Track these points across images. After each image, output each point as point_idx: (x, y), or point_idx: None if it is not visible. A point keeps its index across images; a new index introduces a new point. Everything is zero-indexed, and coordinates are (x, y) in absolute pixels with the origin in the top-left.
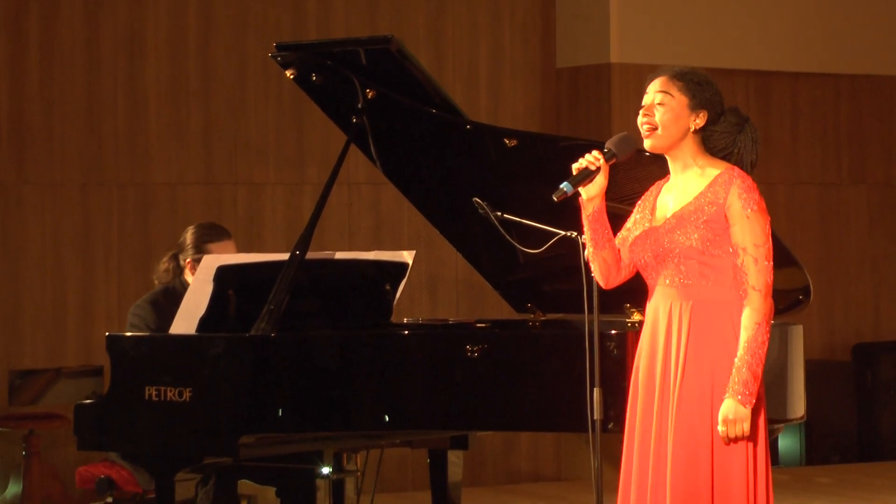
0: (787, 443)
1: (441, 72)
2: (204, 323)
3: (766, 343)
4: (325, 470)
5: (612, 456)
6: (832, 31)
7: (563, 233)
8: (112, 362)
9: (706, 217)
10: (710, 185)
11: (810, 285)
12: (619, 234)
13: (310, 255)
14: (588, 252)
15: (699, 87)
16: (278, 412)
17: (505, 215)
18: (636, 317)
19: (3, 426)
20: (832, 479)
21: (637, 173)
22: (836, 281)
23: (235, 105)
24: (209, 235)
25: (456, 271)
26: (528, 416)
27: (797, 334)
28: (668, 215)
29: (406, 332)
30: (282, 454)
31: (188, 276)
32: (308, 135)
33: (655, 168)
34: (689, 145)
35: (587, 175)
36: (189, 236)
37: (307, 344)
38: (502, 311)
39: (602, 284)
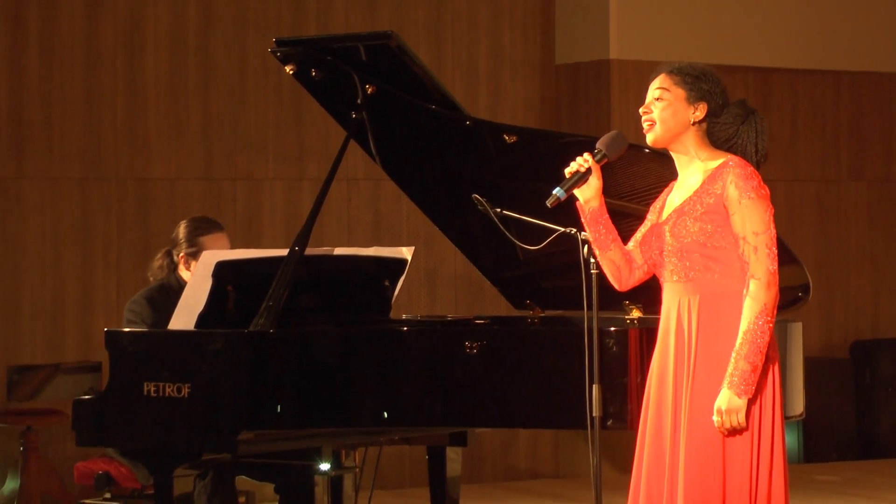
0: (786, 440)
1: (440, 67)
2: (203, 319)
3: (767, 333)
4: (324, 466)
5: (610, 453)
6: (832, 28)
7: (562, 229)
8: (111, 358)
9: (704, 209)
10: (710, 176)
11: (809, 282)
12: (634, 237)
13: (309, 250)
14: (596, 256)
15: (696, 79)
16: (277, 408)
17: (504, 212)
18: (635, 313)
19: (1, 422)
20: (831, 476)
21: (636, 170)
22: (835, 278)
23: (235, 100)
24: (201, 229)
25: (455, 268)
26: (526, 413)
27: (796, 331)
28: (672, 210)
29: (405, 328)
30: (280, 450)
31: (182, 271)
32: (307, 130)
33: (654, 164)
34: (691, 139)
35: (578, 178)
36: (182, 230)
37: (306, 340)
38: (501, 307)
39: (616, 286)
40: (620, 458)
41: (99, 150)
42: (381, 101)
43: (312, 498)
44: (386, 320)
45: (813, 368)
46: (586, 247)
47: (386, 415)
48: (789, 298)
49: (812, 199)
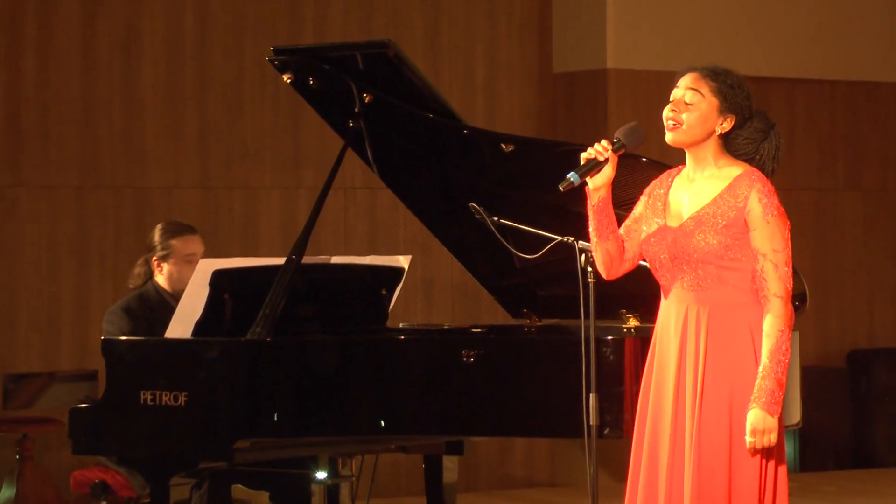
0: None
1: (438, 76)
2: (200, 327)
3: (789, 350)
4: (321, 475)
5: (607, 462)
6: (829, 38)
7: (559, 238)
8: (107, 366)
9: (726, 221)
10: (730, 187)
11: (807, 291)
12: (624, 224)
13: (306, 259)
14: (592, 243)
15: (732, 90)
16: (274, 417)
17: (501, 220)
18: (632, 322)
19: None
20: (828, 486)
21: (635, 177)
22: (831, 287)
23: (232, 109)
24: (173, 232)
25: (452, 276)
26: (523, 422)
27: (793, 340)
28: (685, 216)
29: (402, 336)
30: (277, 459)
31: (157, 277)
32: (304, 139)
33: (652, 175)
34: (712, 146)
35: (594, 165)
36: (155, 236)
37: (303, 348)
38: (498, 316)
39: (603, 275)
40: (617, 466)
41: (95, 159)
42: (379, 109)
43: None
44: (383, 329)
45: (809, 377)
46: (583, 255)
47: (383, 423)
48: None
49: (809, 209)
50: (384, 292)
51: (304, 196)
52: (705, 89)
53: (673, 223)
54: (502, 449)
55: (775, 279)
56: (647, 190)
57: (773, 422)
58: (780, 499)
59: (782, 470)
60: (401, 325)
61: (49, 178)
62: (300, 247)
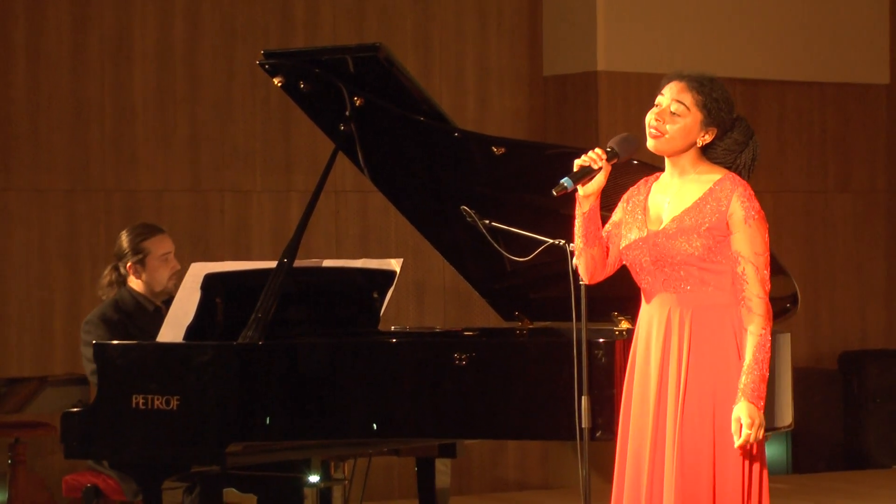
0: (774, 451)
1: (428, 79)
2: (191, 331)
3: (770, 348)
4: (313, 478)
5: (599, 464)
6: (819, 40)
7: (550, 241)
8: (99, 370)
9: (708, 224)
10: (711, 191)
11: (797, 293)
12: (603, 229)
13: (297, 263)
14: (577, 247)
15: (716, 104)
16: (266, 420)
17: (492, 223)
18: (624, 325)
19: None
20: (819, 487)
21: (625, 181)
22: (822, 289)
23: (222, 112)
24: (143, 234)
25: (443, 279)
26: (515, 425)
27: (785, 342)
28: (666, 219)
29: (394, 340)
30: (269, 462)
31: (133, 281)
32: (295, 142)
33: (641, 178)
34: (691, 155)
35: (588, 173)
36: (124, 241)
37: (295, 352)
38: (490, 319)
39: (586, 280)
40: (609, 468)
41: (86, 162)
42: (370, 113)
43: None
44: (375, 332)
45: (800, 379)
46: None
47: (375, 426)
48: (778, 309)
49: (799, 210)
50: (376, 295)
51: (295, 199)
52: (690, 102)
53: (653, 227)
54: (495, 452)
55: (756, 282)
56: (625, 196)
57: (761, 415)
58: (764, 497)
59: (765, 469)
60: (393, 328)
61: (39, 181)
62: (291, 250)
